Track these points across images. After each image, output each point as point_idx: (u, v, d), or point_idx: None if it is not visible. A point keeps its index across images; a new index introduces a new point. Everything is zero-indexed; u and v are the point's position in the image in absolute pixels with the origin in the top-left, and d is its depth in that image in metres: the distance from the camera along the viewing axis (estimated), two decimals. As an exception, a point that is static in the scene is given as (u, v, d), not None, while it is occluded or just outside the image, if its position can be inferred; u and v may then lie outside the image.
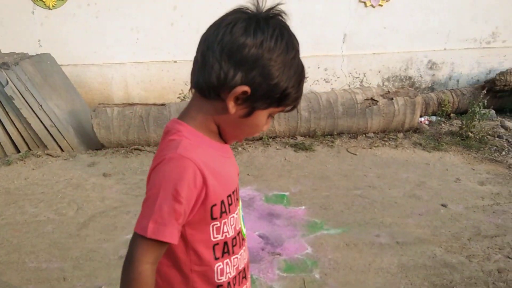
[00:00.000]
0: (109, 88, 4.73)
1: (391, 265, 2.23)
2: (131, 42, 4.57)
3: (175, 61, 4.69)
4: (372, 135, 3.98)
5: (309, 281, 2.11)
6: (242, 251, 0.97)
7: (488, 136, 3.92)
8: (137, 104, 3.72)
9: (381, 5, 4.79)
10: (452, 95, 4.68)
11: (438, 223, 2.63)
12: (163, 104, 3.68)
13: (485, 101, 3.99)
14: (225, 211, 0.89)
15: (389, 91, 3.95)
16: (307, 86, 4.92)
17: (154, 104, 3.69)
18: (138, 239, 0.81)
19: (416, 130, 4.06)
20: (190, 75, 0.87)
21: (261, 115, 0.86)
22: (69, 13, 4.42)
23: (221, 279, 0.93)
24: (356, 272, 2.18)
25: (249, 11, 0.83)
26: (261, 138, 3.78)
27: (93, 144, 3.78)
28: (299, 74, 0.85)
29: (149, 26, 4.53)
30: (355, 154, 3.63)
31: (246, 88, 0.81)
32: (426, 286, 2.08)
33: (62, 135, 3.61)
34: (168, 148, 0.83)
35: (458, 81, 5.24)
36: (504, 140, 3.88)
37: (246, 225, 2.62)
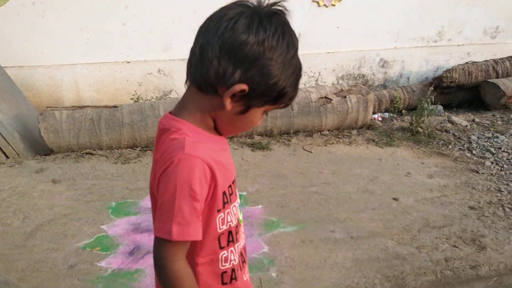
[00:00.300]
0: (59, 90, 4.54)
1: (345, 259, 2.28)
2: (81, 42, 4.41)
3: (128, 62, 4.57)
4: (327, 132, 4.05)
5: (265, 280, 2.11)
6: (242, 237, 0.98)
7: (436, 131, 4.09)
8: (88, 106, 3.59)
9: (333, 5, 4.89)
10: (403, 92, 4.85)
11: (390, 216, 2.71)
12: (115, 106, 3.57)
13: (433, 97, 4.17)
14: (227, 201, 0.90)
15: (342, 89, 4.04)
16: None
17: (106, 106, 3.57)
18: (164, 243, 0.82)
19: (369, 126, 4.17)
20: (186, 67, 0.86)
21: (257, 112, 0.86)
22: (13, 12, 4.20)
23: (225, 266, 0.94)
24: (312, 269, 2.20)
25: (251, 5, 0.81)
26: (217, 139, 3.75)
27: (41, 149, 3.61)
28: (297, 73, 0.85)
29: (99, 26, 4.39)
30: (311, 152, 3.68)
31: (244, 87, 0.80)
32: (379, 279, 2.14)
33: (6, 141, 3.42)
34: (173, 149, 0.82)
35: (408, 78, 5.44)
36: (451, 134, 4.06)
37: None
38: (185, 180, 0.80)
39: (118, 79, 4.62)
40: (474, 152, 3.68)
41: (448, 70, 4.84)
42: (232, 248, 0.95)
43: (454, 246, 2.43)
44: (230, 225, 0.93)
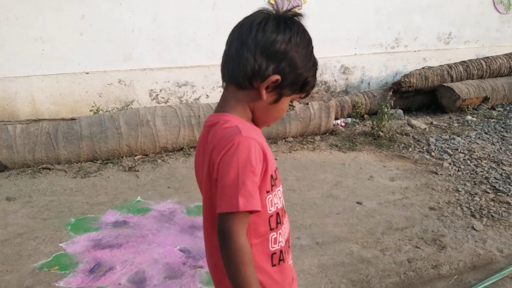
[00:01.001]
0: (13, 104, 4.34)
1: (311, 266, 2.28)
2: (36, 53, 4.24)
3: (87, 73, 4.44)
4: (291, 139, 4.08)
5: (231, 291, 2.08)
6: (286, 220, 1.07)
7: (397, 134, 4.20)
8: (44, 119, 3.46)
9: (294, 13, 4.96)
10: (364, 97, 4.96)
11: (354, 220, 2.75)
12: (73, 119, 3.45)
13: (392, 101, 4.29)
14: (274, 184, 1.00)
15: (305, 96, 4.08)
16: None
17: (63, 119, 3.45)
18: (230, 216, 0.89)
19: (332, 132, 4.23)
20: (221, 70, 1.00)
21: (286, 101, 1.00)
22: (-39, 23, 3.99)
23: (274, 247, 1.02)
24: (278, 277, 2.19)
25: (272, 12, 0.97)
26: (182, 149, 3.69)
27: (-6, 166, 3.43)
28: (315, 64, 1.00)
29: (55, 36, 4.24)
30: (276, 159, 3.69)
31: (277, 77, 0.94)
32: (345, 283, 2.15)
33: (-45, 158, 3.23)
34: (230, 134, 0.92)
35: (369, 84, 5.57)
36: (410, 137, 4.18)
37: (167, 240, 2.52)
38: (246, 157, 0.90)
39: (77, 91, 4.48)
40: (432, 154, 3.80)
41: (406, 75, 5.00)
42: (280, 230, 1.02)
43: (416, 247, 2.49)
44: (277, 207, 1.01)
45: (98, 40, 4.36)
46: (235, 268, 0.91)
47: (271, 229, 1.00)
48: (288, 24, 0.94)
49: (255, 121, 1.02)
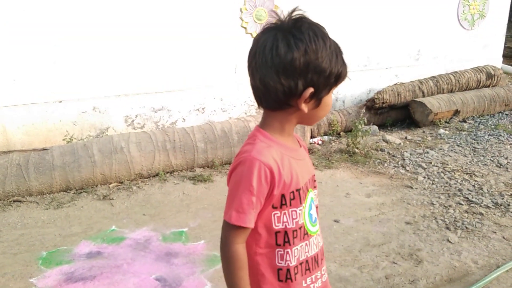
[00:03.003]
0: (-16, 135, 4.24)
1: None
2: (6, 83, 4.18)
3: (61, 101, 4.39)
4: (268, 159, 4.08)
5: (208, 319, 2.04)
6: (303, 244, 1.08)
7: (372, 151, 4.25)
8: (14, 151, 3.38)
9: (267, 36, 5.03)
10: (339, 115, 5.03)
11: (332, 239, 2.75)
12: (44, 149, 3.39)
13: (366, 118, 4.36)
14: (285, 204, 1.03)
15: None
16: (205, 117, 4.94)
17: (34, 150, 3.39)
18: (227, 225, 1.01)
19: (309, 151, 4.26)
20: (255, 99, 1.05)
21: (328, 98, 1.04)
22: None
23: (281, 263, 1.07)
24: (255, 301, 2.15)
25: (276, 26, 0.98)
26: (157, 174, 3.66)
27: (-37, 200, 3.32)
28: (339, 53, 1.01)
29: (26, 64, 4.20)
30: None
31: (311, 90, 0.98)
32: (323, 304, 2.13)
33: None
34: (243, 151, 1.02)
35: (343, 101, 5.66)
36: (385, 153, 4.24)
37: (142, 269, 2.47)
38: (246, 177, 0.98)
39: (50, 120, 4.41)
40: (407, 168, 3.86)
41: (379, 92, 5.11)
42: (288, 250, 1.06)
43: (393, 262, 2.50)
44: (286, 225, 1.05)
45: (71, 67, 4.33)
46: (227, 270, 1.03)
47: (277, 245, 1.06)
48: (297, 35, 0.95)
49: (305, 124, 1.10)
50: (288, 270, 1.07)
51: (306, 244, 1.09)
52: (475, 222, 2.90)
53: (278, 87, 0.96)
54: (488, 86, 5.78)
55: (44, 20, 4.14)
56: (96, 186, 3.47)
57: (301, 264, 1.09)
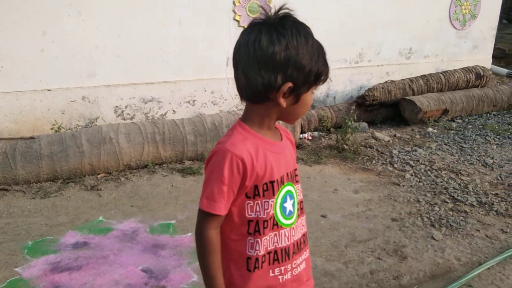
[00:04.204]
0: (-30, 122, 4.18)
1: (275, 281, 2.27)
2: (-5, 70, 4.12)
3: (49, 90, 4.34)
4: (258, 154, 4.09)
5: (193, 311, 2.05)
6: (272, 234, 1.11)
7: (361, 147, 4.28)
8: (1, 139, 3.34)
9: (259, 30, 5.02)
10: (330, 111, 5.05)
11: (319, 234, 2.77)
12: (32, 137, 3.35)
13: (356, 115, 4.38)
14: (258, 194, 1.07)
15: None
16: (195, 110, 4.92)
17: (22, 138, 3.35)
18: (200, 211, 1.07)
19: (299, 146, 4.28)
20: (237, 91, 1.07)
21: (307, 96, 1.06)
22: None
23: (250, 252, 1.10)
24: (241, 294, 2.17)
25: (263, 20, 1.02)
26: (146, 166, 3.64)
27: None
28: (321, 53, 1.05)
29: (15, 53, 4.13)
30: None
31: (290, 84, 1.00)
32: (308, 298, 2.15)
33: None
34: (220, 142, 1.06)
35: (334, 98, 5.68)
36: (374, 150, 4.28)
37: (129, 260, 2.46)
38: (218, 167, 1.03)
39: (38, 108, 4.36)
40: (395, 165, 3.90)
41: (369, 89, 5.14)
42: (258, 239, 1.08)
43: (379, 258, 2.53)
44: (258, 215, 1.08)
45: (60, 56, 4.28)
46: (200, 254, 1.09)
47: (249, 233, 1.09)
48: (280, 31, 0.99)
49: (285, 121, 1.13)
50: (256, 259, 1.10)
51: (276, 235, 1.12)
52: (460, 220, 2.94)
53: (258, 79, 1.00)
54: (477, 86, 5.84)
55: (32, 7, 4.08)
56: (84, 176, 3.44)
57: (269, 253, 1.12)
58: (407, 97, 5.18)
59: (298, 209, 1.18)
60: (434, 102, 5.19)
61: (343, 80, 5.68)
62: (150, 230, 2.79)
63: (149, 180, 3.47)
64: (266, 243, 1.10)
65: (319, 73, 1.04)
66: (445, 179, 3.62)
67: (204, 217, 1.06)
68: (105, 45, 4.39)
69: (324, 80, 1.08)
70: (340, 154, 4.08)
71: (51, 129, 4.12)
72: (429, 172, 3.75)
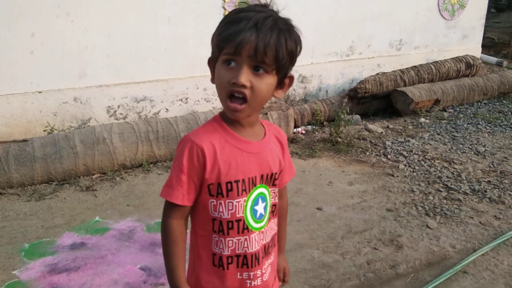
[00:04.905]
0: (-39, 127, 4.14)
1: (273, 275, 2.29)
2: (-16, 74, 4.08)
3: (40, 92, 4.31)
4: (252, 149, 4.10)
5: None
6: (242, 238, 1.08)
7: (355, 139, 4.31)
8: (-7, 142, 3.32)
9: (250, 25, 5.01)
10: (323, 104, 5.07)
11: (315, 226, 2.79)
12: (24, 140, 3.34)
13: (348, 108, 4.40)
14: (221, 193, 1.04)
15: (263, 107, 4.13)
16: (188, 107, 4.91)
17: (14, 141, 3.33)
18: (164, 201, 1.07)
19: (293, 140, 4.29)
20: None
21: (218, 68, 1.03)
22: None
23: (215, 249, 1.09)
24: None
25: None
26: (141, 165, 3.64)
27: None
28: (223, 21, 1.03)
29: (3, 55, 4.10)
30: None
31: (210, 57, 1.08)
32: (306, 290, 2.18)
33: None
34: (189, 133, 1.07)
35: (327, 91, 5.70)
36: (368, 142, 4.31)
37: (127, 259, 2.47)
38: (179, 155, 1.03)
39: (29, 111, 4.33)
40: (389, 156, 3.93)
41: (361, 82, 5.16)
42: (222, 239, 1.07)
43: (375, 248, 2.56)
44: (221, 215, 1.06)
45: (50, 58, 4.25)
46: (163, 243, 1.09)
47: (214, 231, 1.08)
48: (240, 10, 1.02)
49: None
50: (220, 257, 1.09)
51: (246, 240, 1.09)
52: (454, 208, 2.98)
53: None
54: (468, 76, 5.89)
55: (20, 9, 4.04)
56: (79, 177, 3.43)
57: (237, 257, 1.09)
58: (399, 89, 5.21)
59: (269, 212, 1.14)
60: (425, 93, 5.23)
61: (334, 74, 5.69)
62: (147, 228, 2.79)
63: (144, 179, 3.47)
64: (233, 245, 1.09)
65: (214, 39, 1.03)
66: (438, 168, 3.65)
67: (166, 206, 1.07)
68: (95, 45, 4.37)
69: (230, 49, 0.97)
70: (334, 147, 4.11)
71: (44, 131, 4.09)
72: (422, 162, 3.78)
